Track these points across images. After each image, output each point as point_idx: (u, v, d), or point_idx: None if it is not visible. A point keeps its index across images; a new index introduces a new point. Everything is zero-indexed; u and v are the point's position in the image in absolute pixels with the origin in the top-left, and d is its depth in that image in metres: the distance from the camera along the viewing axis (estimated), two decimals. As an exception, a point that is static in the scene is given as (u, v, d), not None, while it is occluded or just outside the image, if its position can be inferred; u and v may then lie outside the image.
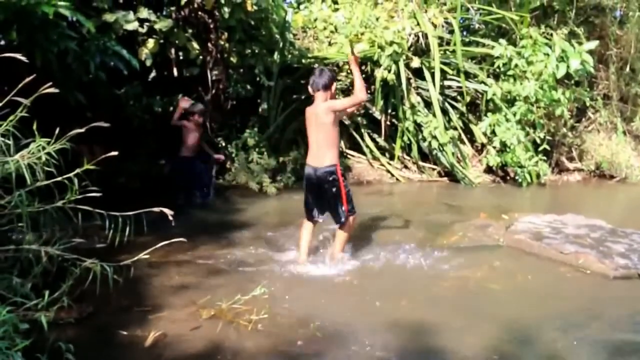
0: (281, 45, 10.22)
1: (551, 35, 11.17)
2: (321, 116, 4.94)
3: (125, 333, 3.61)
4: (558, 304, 4.44)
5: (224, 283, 4.63)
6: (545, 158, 10.85)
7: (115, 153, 3.35)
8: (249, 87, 9.83)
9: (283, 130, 10.37)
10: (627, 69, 13.53)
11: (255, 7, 8.97)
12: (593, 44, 11.01)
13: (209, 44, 9.01)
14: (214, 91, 9.31)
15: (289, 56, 10.49)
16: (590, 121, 13.21)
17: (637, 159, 12.73)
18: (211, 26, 8.91)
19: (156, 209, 3.33)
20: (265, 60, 9.94)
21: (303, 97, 10.47)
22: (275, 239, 6.16)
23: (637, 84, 13.63)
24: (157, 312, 3.97)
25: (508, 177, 11.02)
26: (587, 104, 12.60)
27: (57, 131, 3.21)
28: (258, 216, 7.29)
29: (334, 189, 5.04)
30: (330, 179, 4.98)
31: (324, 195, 5.12)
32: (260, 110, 10.12)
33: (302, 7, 12.27)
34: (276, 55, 10.10)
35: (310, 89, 5.08)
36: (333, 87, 5.09)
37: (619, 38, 13.32)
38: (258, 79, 9.83)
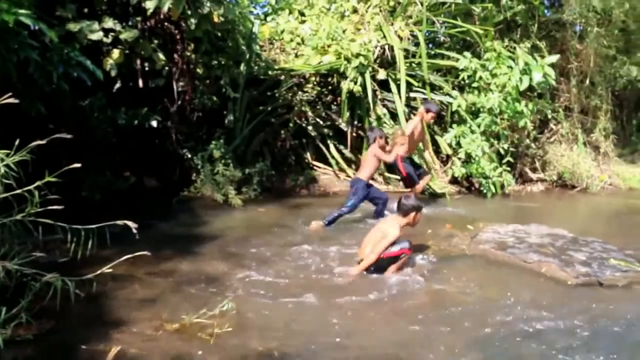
0: (248, 56, 10.22)
1: (514, 48, 11.39)
2: None
3: (86, 348, 3.53)
4: (522, 313, 4.48)
5: (189, 297, 4.57)
6: (509, 169, 10.98)
7: (77, 165, 3.29)
8: (215, 98, 9.79)
9: (249, 142, 10.32)
10: (587, 82, 13.83)
11: (222, 19, 8.97)
12: (554, 58, 11.25)
13: (175, 55, 8.92)
14: (179, 102, 9.21)
15: (256, 68, 10.50)
16: (552, 133, 13.44)
17: (597, 169, 12.98)
18: (177, 37, 8.83)
19: (120, 222, 3.28)
20: (232, 71, 9.92)
21: (269, 108, 10.47)
22: (240, 252, 6.10)
23: (596, 96, 13.94)
24: (120, 326, 3.89)
25: (473, 188, 11.11)
26: (549, 116, 12.84)
27: (17, 143, 3.15)
28: (223, 229, 7.23)
29: None
30: None
31: None
32: (226, 121, 10.07)
33: (269, 18, 12.28)
34: (242, 67, 10.08)
35: None
36: None
37: (579, 52, 13.61)
38: (224, 90, 9.77)
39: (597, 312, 4.54)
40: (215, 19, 8.71)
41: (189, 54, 9.26)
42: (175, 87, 9.07)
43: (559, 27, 13.48)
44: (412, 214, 5.60)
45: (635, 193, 12.25)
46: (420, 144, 9.58)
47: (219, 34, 9.70)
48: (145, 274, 5.07)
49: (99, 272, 3.33)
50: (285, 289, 4.93)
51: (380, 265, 5.36)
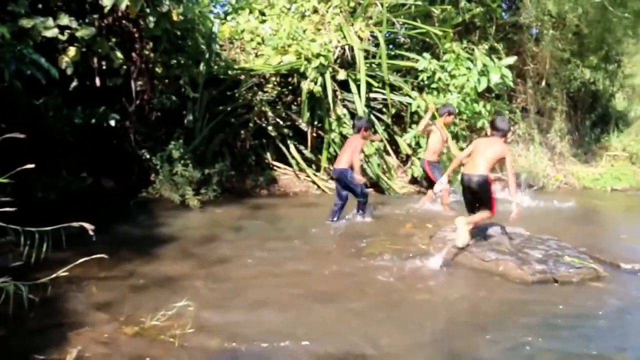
0: (207, 56, 10.12)
1: (473, 50, 11.56)
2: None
3: (41, 357, 3.43)
4: (480, 311, 4.54)
5: (148, 299, 4.50)
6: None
7: (31, 166, 3.20)
8: (174, 98, 9.65)
9: (209, 142, 10.23)
10: (543, 83, 14.15)
11: (181, 17, 8.87)
12: (512, 59, 11.47)
13: (134, 54, 8.79)
14: (138, 102, 9.08)
15: (215, 67, 10.40)
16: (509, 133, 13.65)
17: (553, 168, 13.25)
18: (136, 35, 8.70)
19: (76, 224, 3.20)
20: (191, 71, 9.82)
21: (229, 108, 10.39)
22: (200, 252, 6.05)
23: (552, 98, 14.26)
24: (76, 331, 3.80)
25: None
26: (507, 116, 13.01)
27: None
28: (183, 230, 7.15)
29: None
30: None
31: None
32: (185, 121, 9.95)
33: (229, 18, 12.19)
34: (202, 66, 9.98)
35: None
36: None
37: (536, 54, 13.91)
38: (183, 90, 9.66)
39: (552, 308, 4.62)
40: (175, 18, 8.60)
41: (147, 52, 9.15)
42: (133, 86, 8.94)
43: (516, 29, 13.77)
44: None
45: (589, 192, 12.53)
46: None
47: (179, 33, 9.59)
48: (103, 276, 4.97)
49: (54, 275, 3.24)
50: (246, 288, 4.91)
51: None
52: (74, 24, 7.47)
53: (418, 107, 10.89)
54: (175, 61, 9.68)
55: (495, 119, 6.68)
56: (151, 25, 8.32)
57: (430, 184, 8.92)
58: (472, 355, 3.73)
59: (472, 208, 6.35)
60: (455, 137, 11.08)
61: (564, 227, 7.68)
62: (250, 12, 12.01)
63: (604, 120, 16.37)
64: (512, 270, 5.49)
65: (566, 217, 8.60)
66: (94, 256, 3.39)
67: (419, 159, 10.82)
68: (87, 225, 3.15)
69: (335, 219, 7.91)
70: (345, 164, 7.81)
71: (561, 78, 14.28)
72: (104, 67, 8.53)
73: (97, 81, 8.48)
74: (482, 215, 6.16)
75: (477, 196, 6.19)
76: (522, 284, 5.25)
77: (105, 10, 7.68)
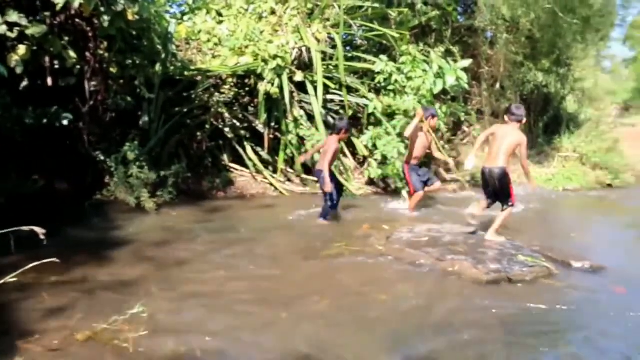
0: (163, 56, 9.99)
1: (429, 52, 11.69)
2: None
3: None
4: (435, 310, 4.59)
5: (101, 304, 4.43)
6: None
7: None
8: (129, 98, 9.48)
9: (165, 144, 10.12)
10: (498, 86, 14.41)
11: (136, 17, 8.72)
12: (467, 62, 11.63)
13: (87, 53, 8.61)
14: (92, 102, 8.89)
15: (172, 68, 10.27)
16: (465, 134, 13.90)
17: (508, 169, 13.44)
18: (89, 34, 8.52)
19: (26, 228, 3.13)
20: (147, 71, 9.68)
21: (185, 109, 10.30)
22: (155, 256, 5.99)
23: (506, 100, 14.54)
24: (26, 339, 3.71)
25: (389, 189, 11.29)
26: (462, 118, 13.27)
27: None
28: (138, 233, 7.06)
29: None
30: None
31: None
32: (141, 122, 9.79)
33: (185, 18, 12.06)
34: (158, 67, 9.85)
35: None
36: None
37: (490, 57, 14.17)
38: (139, 90, 9.51)
39: (506, 306, 4.71)
40: (130, 17, 8.45)
41: (101, 52, 8.98)
42: (87, 86, 8.76)
43: (472, 33, 13.99)
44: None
45: (542, 192, 12.76)
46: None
47: (134, 33, 9.43)
48: (54, 281, 4.87)
49: (1, 281, 3.16)
50: (201, 292, 4.88)
51: None
52: (24, 22, 7.27)
53: (375, 108, 10.95)
54: (130, 61, 9.53)
55: (511, 105, 7.17)
56: (106, 24, 8.15)
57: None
58: (427, 354, 3.77)
59: (493, 197, 6.96)
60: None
61: (518, 227, 7.82)
62: (208, 12, 11.92)
63: (556, 122, 16.73)
64: (468, 269, 5.57)
65: (520, 217, 8.74)
66: (44, 261, 3.32)
67: (375, 160, 10.89)
68: (37, 229, 3.09)
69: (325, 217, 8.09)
70: (320, 166, 7.99)
71: (515, 81, 14.56)
72: (57, 67, 8.34)
73: (49, 81, 8.28)
74: (506, 216, 6.78)
75: (498, 187, 6.78)
76: (477, 283, 5.33)
77: (58, 8, 7.50)
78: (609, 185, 14.20)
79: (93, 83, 8.87)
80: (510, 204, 6.82)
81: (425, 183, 8.94)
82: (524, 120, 6.95)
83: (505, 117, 7.03)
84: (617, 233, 8.00)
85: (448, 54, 12.54)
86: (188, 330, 4.00)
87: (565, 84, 16.31)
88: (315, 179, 8.46)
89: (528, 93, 15.16)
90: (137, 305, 4.02)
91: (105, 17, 8.08)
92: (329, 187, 7.81)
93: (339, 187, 8.50)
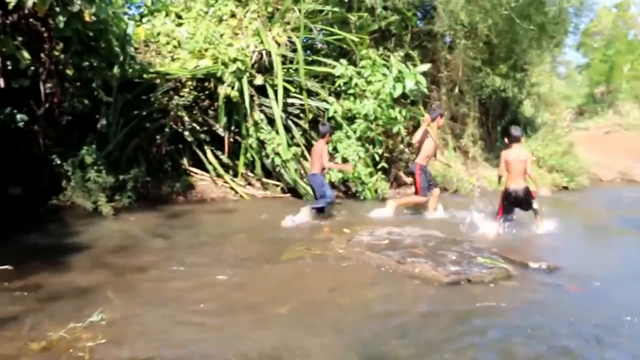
0: (121, 58, 9.85)
1: (388, 57, 11.78)
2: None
3: None
4: (396, 313, 4.60)
5: (57, 312, 4.32)
6: (384, 175, 11.30)
7: None
8: (86, 101, 9.33)
9: (123, 148, 9.98)
10: (456, 90, 14.59)
11: (93, 18, 8.57)
12: (426, 67, 11.77)
13: (42, 54, 8.44)
14: (47, 105, 8.71)
15: (130, 70, 10.12)
16: (424, 138, 13.99)
17: (467, 172, 13.67)
18: (44, 35, 8.35)
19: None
20: (105, 73, 9.52)
21: (144, 113, 10.18)
22: (113, 261, 5.90)
23: (464, 104, 14.75)
24: (-22, 349, 3.63)
25: (349, 192, 11.34)
26: (422, 122, 13.33)
27: None
28: (94, 239, 6.93)
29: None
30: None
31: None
32: (98, 126, 9.64)
33: (144, 20, 11.92)
34: (116, 69, 9.70)
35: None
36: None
37: (449, 62, 14.35)
38: (96, 93, 9.37)
39: (465, 308, 4.77)
40: (87, 18, 8.31)
41: (57, 53, 8.78)
42: (42, 88, 8.57)
43: (431, 37, 14.14)
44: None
45: (499, 195, 12.95)
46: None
47: (91, 34, 9.27)
48: (7, 289, 4.75)
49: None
50: (161, 298, 4.81)
51: None
52: (-26, 21, 7.11)
53: (335, 112, 11.00)
54: (87, 63, 9.34)
55: (510, 129, 8.23)
56: (61, 25, 8.00)
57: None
58: (388, 356, 3.79)
59: (513, 211, 8.17)
60: (372, 142, 11.27)
61: (477, 230, 7.95)
62: (167, 14, 11.82)
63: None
64: (428, 271, 5.62)
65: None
66: (-3, 268, 3.24)
67: (335, 163, 10.92)
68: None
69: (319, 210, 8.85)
70: (316, 170, 8.94)
71: (473, 85, 14.79)
72: (10, 68, 8.15)
73: (1, 82, 8.08)
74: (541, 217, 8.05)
75: (524, 201, 7.94)
76: (437, 284, 5.37)
77: (10, 7, 7.33)
78: (565, 188, 14.53)
79: (48, 85, 8.69)
80: (535, 205, 8.01)
81: (428, 188, 9.23)
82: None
83: (506, 140, 8.19)
84: (573, 234, 8.19)
85: (407, 58, 12.67)
86: (148, 338, 3.94)
87: (522, 88, 16.61)
88: (308, 183, 9.43)
89: (486, 97, 15.41)
90: (95, 313, 3.95)
91: (61, 18, 7.93)
92: (328, 188, 9.01)
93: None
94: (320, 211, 8.80)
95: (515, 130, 8.10)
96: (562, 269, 6.02)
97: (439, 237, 7.03)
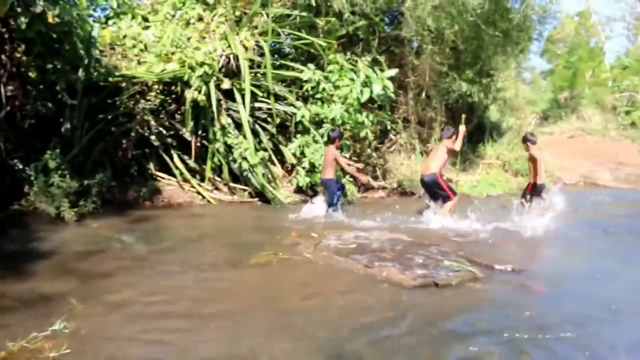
0: (86, 61, 9.71)
1: (356, 61, 11.82)
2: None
3: None
4: (364, 316, 4.61)
5: (19, 320, 4.23)
6: (352, 179, 11.33)
7: None
8: (50, 105, 9.16)
9: (88, 152, 9.83)
10: (423, 95, 14.72)
11: (57, 19, 8.44)
12: (393, 72, 11.85)
13: (3, 56, 8.25)
14: (9, 108, 8.50)
15: (95, 73, 9.97)
16: (392, 142, 14.12)
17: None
18: (5, 36, 8.16)
19: None
20: (69, 76, 9.38)
21: (110, 117, 10.06)
22: (77, 268, 5.80)
23: (431, 109, 14.88)
24: None
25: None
26: (389, 126, 13.49)
27: None
28: (58, 245, 6.80)
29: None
30: None
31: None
32: (63, 130, 9.49)
33: (110, 22, 11.73)
34: (81, 72, 9.56)
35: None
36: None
37: (416, 67, 14.45)
38: (60, 96, 9.21)
39: (433, 310, 4.80)
40: (50, 19, 8.18)
41: (19, 55, 8.60)
42: (3, 91, 8.37)
43: (398, 43, 14.22)
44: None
45: (467, 198, 13.08)
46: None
47: (55, 36, 9.12)
48: (-33, 297, 4.66)
49: None
50: (126, 305, 4.74)
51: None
52: None
53: (302, 116, 11.01)
54: (51, 66, 9.20)
55: (526, 134, 9.91)
56: (23, 26, 7.86)
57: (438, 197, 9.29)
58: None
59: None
60: (340, 148, 11.29)
61: (444, 233, 8.03)
62: (133, 17, 11.66)
63: (480, 131, 17.28)
64: (395, 275, 5.64)
65: (445, 225, 8.95)
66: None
67: (303, 168, 10.94)
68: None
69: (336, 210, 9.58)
70: (329, 175, 9.55)
71: (440, 90, 14.91)
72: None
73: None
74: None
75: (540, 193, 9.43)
76: (404, 288, 5.40)
77: (-32, 8, 7.20)
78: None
79: (10, 88, 8.47)
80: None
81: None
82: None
83: (528, 144, 9.63)
84: (537, 236, 8.29)
85: (375, 63, 12.72)
86: (113, 346, 3.88)
87: (488, 93, 16.82)
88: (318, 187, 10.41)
89: (453, 102, 15.54)
90: (58, 321, 3.87)
91: (23, 19, 7.80)
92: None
93: (342, 188, 10.16)
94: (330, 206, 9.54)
95: (532, 136, 9.77)
96: (527, 271, 6.12)
97: (406, 241, 7.08)
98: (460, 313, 4.76)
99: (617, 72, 36.65)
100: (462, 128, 9.55)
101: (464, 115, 10.45)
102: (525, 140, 9.77)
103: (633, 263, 6.89)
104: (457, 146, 9.37)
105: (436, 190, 9.20)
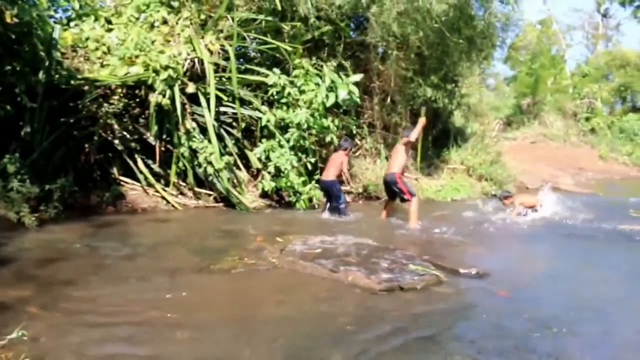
0: (47, 63, 9.53)
1: (321, 66, 11.86)
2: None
3: None
4: (329, 321, 4.59)
5: (-26, 329, 4.14)
6: (318, 184, 11.34)
7: None
8: (9, 107, 8.97)
9: (50, 156, 9.63)
10: (389, 100, 14.83)
11: (15, 20, 8.27)
12: (359, 77, 11.92)
13: (-42, 58, 8.09)
14: (-36, 111, 8.37)
15: (56, 76, 9.79)
16: (357, 147, 14.17)
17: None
18: (-39, 37, 8.02)
19: None
20: (29, 78, 9.21)
21: (72, 120, 9.89)
22: (36, 276, 5.67)
23: (396, 114, 15.00)
24: None
25: (283, 201, 11.33)
26: (354, 131, 13.54)
27: None
28: (17, 251, 6.64)
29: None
30: None
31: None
32: (22, 133, 9.30)
33: (72, 24, 11.53)
34: (41, 74, 9.38)
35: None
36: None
37: (381, 72, 14.57)
38: (20, 99, 9.03)
39: (398, 315, 4.80)
40: (8, 20, 8.02)
41: (-24, 57, 8.46)
42: (-42, 93, 8.22)
43: (363, 48, 14.31)
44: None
45: (432, 203, 13.20)
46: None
47: (13, 37, 8.95)
48: None
49: None
50: (87, 312, 4.64)
51: None
52: None
53: (268, 121, 10.99)
54: (9, 67, 9.02)
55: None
56: (-21, 26, 7.70)
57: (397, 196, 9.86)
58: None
59: None
60: (305, 151, 11.31)
61: (409, 238, 8.08)
62: (96, 19, 11.48)
63: (444, 136, 17.47)
64: (361, 279, 5.65)
65: (412, 230, 9.03)
66: None
67: (269, 173, 10.92)
68: None
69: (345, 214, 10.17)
70: (333, 176, 10.19)
71: (405, 95, 15.04)
72: None
73: None
74: None
75: None
76: (370, 292, 5.40)
77: None
78: (494, 195, 14.90)
79: (-34, 90, 8.33)
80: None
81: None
82: None
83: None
84: (502, 240, 8.42)
85: (340, 68, 12.79)
86: (74, 355, 3.79)
87: (453, 99, 17.01)
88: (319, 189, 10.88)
89: (418, 107, 15.66)
90: (16, 329, 3.78)
91: (-21, 19, 7.63)
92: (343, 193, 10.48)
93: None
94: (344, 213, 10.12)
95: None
96: (491, 274, 6.17)
97: (371, 245, 7.09)
98: (425, 318, 4.76)
99: (578, 79, 37.60)
100: (422, 119, 9.86)
101: (424, 108, 10.78)
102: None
103: (597, 266, 7.03)
104: (413, 136, 9.67)
105: (394, 189, 9.57)
